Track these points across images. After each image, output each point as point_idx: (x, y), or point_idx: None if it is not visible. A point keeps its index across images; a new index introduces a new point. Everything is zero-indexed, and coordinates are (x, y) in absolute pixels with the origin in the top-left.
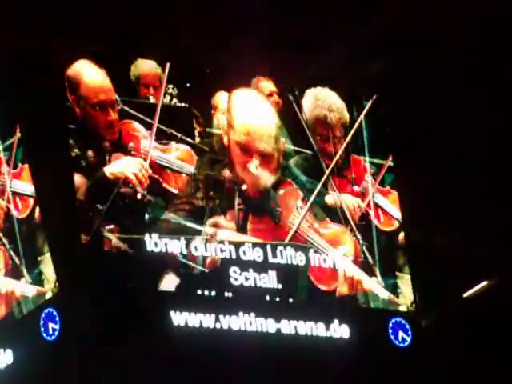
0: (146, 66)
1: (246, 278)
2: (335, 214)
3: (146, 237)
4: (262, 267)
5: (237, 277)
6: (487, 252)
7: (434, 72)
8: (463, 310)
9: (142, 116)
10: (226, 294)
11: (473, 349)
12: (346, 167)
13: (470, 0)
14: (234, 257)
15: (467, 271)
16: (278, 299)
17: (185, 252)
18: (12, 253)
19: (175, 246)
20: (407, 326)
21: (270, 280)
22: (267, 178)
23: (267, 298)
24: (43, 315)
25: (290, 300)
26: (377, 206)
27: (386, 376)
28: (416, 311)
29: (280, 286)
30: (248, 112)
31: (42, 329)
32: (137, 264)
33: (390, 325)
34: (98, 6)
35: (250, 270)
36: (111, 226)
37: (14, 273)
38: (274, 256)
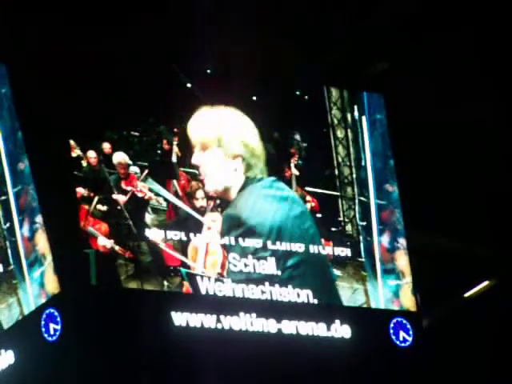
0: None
1: (245, 265)
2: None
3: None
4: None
5: (236, 263)
6: (488, 252)
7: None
8: (464, 310)
9: None
10: None
11: (473, 349)
12: None
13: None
14: (233, 243)
15: (468, 271)
16: (276, 285)
17: (184, 238)
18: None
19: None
20: (408, 326)
21: (269, 266)
22: None
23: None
24: (44, 316)
25: (290, 286)
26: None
27: (388, 376)
28: (417, 311)
29: (279, 273)
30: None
31: (43, 329)
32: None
33: (392, 325)
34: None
35: (249, 257)
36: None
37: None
38: (274, 243)
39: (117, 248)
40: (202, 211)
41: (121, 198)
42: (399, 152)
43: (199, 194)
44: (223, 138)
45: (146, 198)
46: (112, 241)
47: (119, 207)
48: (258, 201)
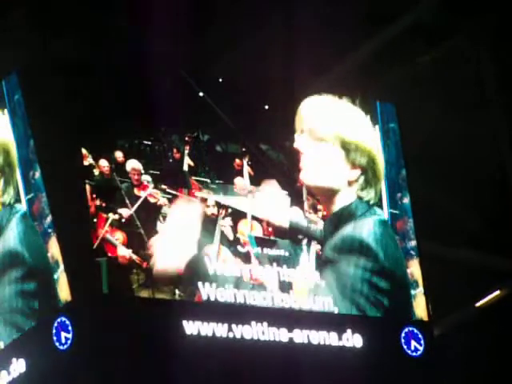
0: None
1: None
2: None
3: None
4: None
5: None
6: (500, 262)
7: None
8: (476, 320)
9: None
10: None
11: (485, 358)
12: None
13: None
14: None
15: (480, 280)
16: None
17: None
18: None
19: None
20: (420, 336)
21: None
22: None
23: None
24: (56, 324)
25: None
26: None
27: None
28: (429, 320)
29: (287, 254)
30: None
31: (55, 338)
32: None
33: (403, 334)
34: None
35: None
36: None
37: None
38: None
39: (135, 257)
40: (212, 219)
41: (124, 212)
42: (412, 161)
43: (210, 201)
44: (346, 140)
45: (159, 203)
46: (130, 250)
47: (131, 215)
48: (388, 241)
